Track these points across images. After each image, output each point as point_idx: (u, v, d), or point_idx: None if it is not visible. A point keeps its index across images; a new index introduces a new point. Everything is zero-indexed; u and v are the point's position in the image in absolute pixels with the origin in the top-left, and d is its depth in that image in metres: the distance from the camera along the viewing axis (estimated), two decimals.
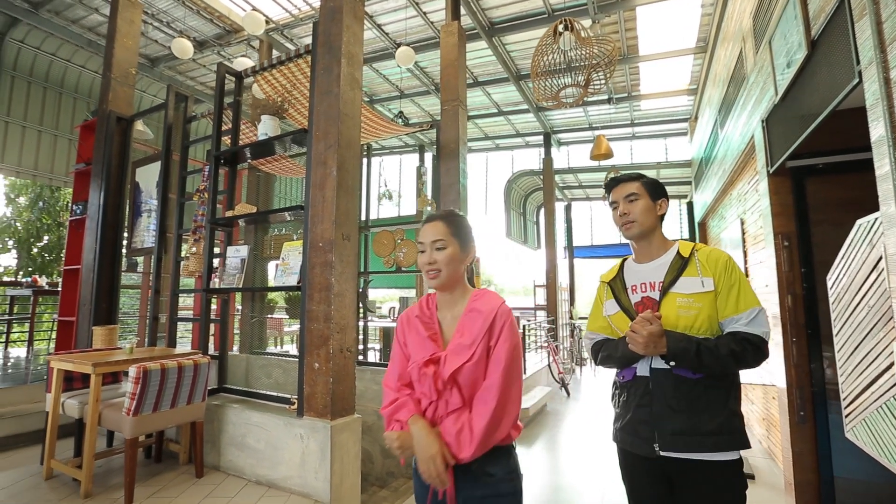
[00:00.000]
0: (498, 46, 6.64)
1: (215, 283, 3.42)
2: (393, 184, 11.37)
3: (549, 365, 6.97)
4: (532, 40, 6.48)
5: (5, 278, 10.83)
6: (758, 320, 1.25)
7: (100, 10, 6.07)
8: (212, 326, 3.66)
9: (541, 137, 9.87)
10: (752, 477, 3.24)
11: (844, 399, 1.86)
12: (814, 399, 2.72)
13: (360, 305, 5.18)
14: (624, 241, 1.49)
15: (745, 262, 4.09)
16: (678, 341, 1.23)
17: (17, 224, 11.20)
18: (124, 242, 4.26)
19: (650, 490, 1.34)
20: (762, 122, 3.01)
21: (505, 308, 1.19)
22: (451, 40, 4.86)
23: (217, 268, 3.50)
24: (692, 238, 7.23)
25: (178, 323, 3.75)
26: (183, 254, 3.75)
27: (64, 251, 4.53)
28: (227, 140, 3.63)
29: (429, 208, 5.84)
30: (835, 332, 1.94)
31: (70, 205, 4.57)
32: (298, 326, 2.89)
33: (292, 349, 8.18)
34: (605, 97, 7.90)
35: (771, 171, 2.90)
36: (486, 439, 1.10)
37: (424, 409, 1.19)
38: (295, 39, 6.80)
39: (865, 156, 2.17)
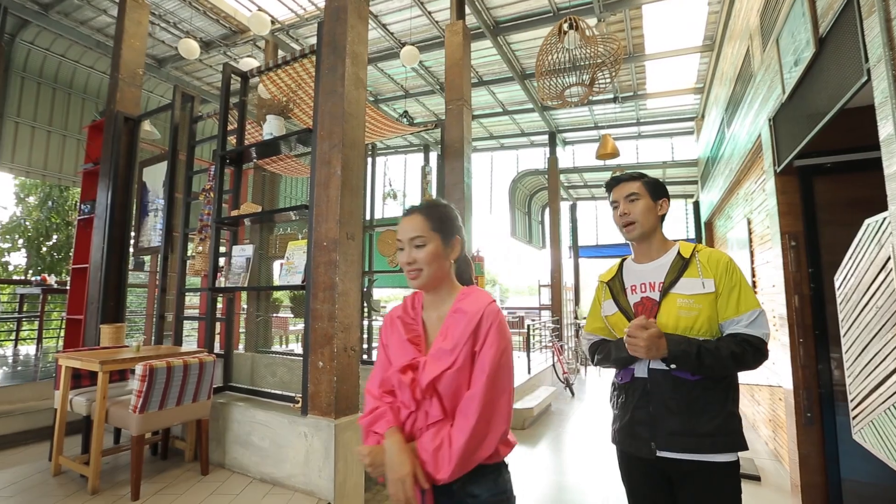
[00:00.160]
0: (503, 46, 6.63)
1: (221, 281, 3.44)
2: (398, 183, 11.38)
3: (553, 365, 6.96)
4: (537, 39, 6.46)
5: (15, 277, 10.97)
6: (758, 322, 1.24)
7: (108, 12, 6.13)
8: (217, 325, 3.68)
9: (546, 137, 9.84)
10: (758, 478, 3.22)
11: (852, 401, 1.84)
12: (821, 400, 2.69)
13: (365, 305, 5.19)
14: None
15: (752, 262, 4.06)
16: (678, 344, 1.22)
17: (27, 223, 11.34)
18: (131, 241, 4.29)
19: (649, 491, 1.34)
20: (769, 120, 2.98)
21: (493, 308, 1.05)
22: (455, 40, 4.86)
23: (223, 267, 3.52)
24: (698, 238, 7.18)
25: (185, 321, 3.78)
26: (189, 253, 3.78)
27: (72, 250, 4.58)
28: (232, 140, 3.65)
29: None
30: (842, 333, 1.92)
31: (78, 204, 4.62)
32: (303, 325, 2.91)
33: (297, 348, 8.22)
34: (611, 96, 7.85)
35: (778, 171, 2.87)
36: (467, 458, 0.97)
37: (404, 421, 1.06)
38: (300, 39, 6.82)
39: (874, 155, 2.14)
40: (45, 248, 11.40)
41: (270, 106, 3.32)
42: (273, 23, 6.25)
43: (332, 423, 2.51)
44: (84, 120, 7.20)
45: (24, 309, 6.71)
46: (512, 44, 6.77)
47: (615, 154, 6.39)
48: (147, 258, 5.27)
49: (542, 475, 3.31)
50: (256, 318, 4.87)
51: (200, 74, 8.00)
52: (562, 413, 5.27)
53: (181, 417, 2.80)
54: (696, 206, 7.53)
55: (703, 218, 6.91)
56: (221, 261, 3.55)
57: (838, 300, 1.96)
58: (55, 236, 11.48)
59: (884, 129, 1.56)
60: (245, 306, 5.23)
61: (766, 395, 3.93)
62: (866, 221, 1.73)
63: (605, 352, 1.44)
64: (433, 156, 10.69)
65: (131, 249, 4.29)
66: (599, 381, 7.52)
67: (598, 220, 12.37)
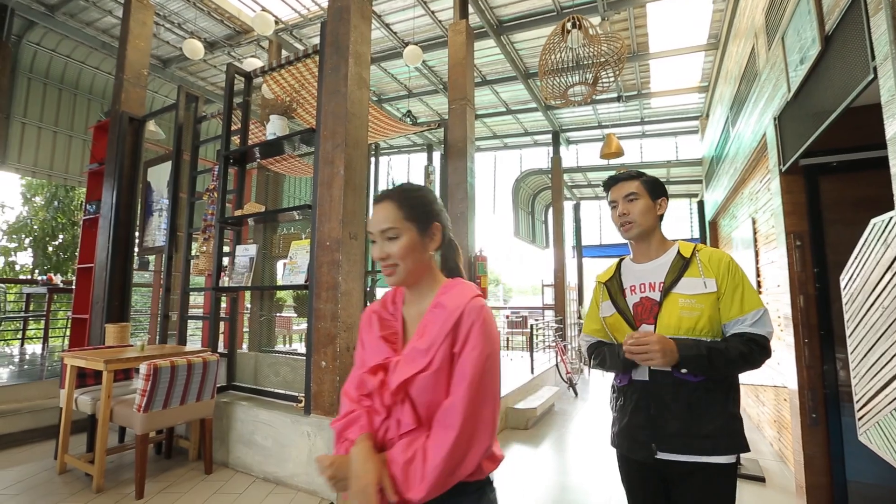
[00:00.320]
0: (506, 45, 6.62)
1: (225, 281, 3.46)
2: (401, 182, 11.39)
3: (556, 364, 6.94)
4: (541, 38, 6.44)
5: (22, 276, 11.06)
6: (762, 321, 1.23)
7: (113, 13, 6.16)
8: (221, 324, 3.70)
9: (549, 136, 9.81)
10: (762, 479, 3.20)
11: (858, 401, 1.83)
12: (826, 401, 2.67)
13: (368, 304, 5.20)
14: None
15: (757, 261, 4.03)
16: (689, 348, 1.20)
17: (34, 223, 11.43)
18: (136, 241, 4.32)
19: (648, 494, 1.33)
20: (774, 119, 2.96)
21: (476, 304, 0.92)
22: (459, 39, 4.85)
23: (226, 266, 3.54)
24: (703, 237, 7.14)
25: (189, 321, 3.80)
26: (193, 252, 3.80)
27: (78, 250, 4.61)
28: (236, 140, 3.67)
29: None
30: (848, 333, 1.91)
31: (84, 204, 4.65)
32: (306, 325, 2.92)
33: (300, 347, 8.24)
34: (615, 95, 7.82)
35: (783, 170, 2.85)
36: (444, 477, 0.84)
37: (378, 428, 0.94)
38: (304, 39, 6.84)
39: (880, 153, 2.12)
40: (51, 248, 11.48)
41: (274, 106, 3.33)
42: (277, 23, 6.27)
43: None
44: (90, 120, 7.25)
45: (31, 308, 6.77)
46: (515, 43, 6.76)
47: (619, 153, 6.36)
48: (151, 258, 5.30)
49: (545, 475, 3.31)
50: (260, 317, 4.88)
51: (205, 75, 8.03)
52: (565, 413, 5.26)
53: (185, 416, 2.82)
54: (701, 205, 7.49)
55: (708, 217, 6.87)
56: (225, 260, 3.57)
57: (844, 300, 1.95)
58: (61, 236, 11.56)
59: (890, 128, 1.55)
60: (249, 306, 5.25)
61: (771, 395, 3.90)
62: (872, 221, 1.72)
63: (601, 356, 1.42)
64: (436, 155, 10.71)
65: (136, 249, 4.32)
66: (603, 381, 7.50)
67: (602, 220, 12.33)
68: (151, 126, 5.26)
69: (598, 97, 7.46)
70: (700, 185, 8.94)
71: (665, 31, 6.12)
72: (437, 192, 5.22)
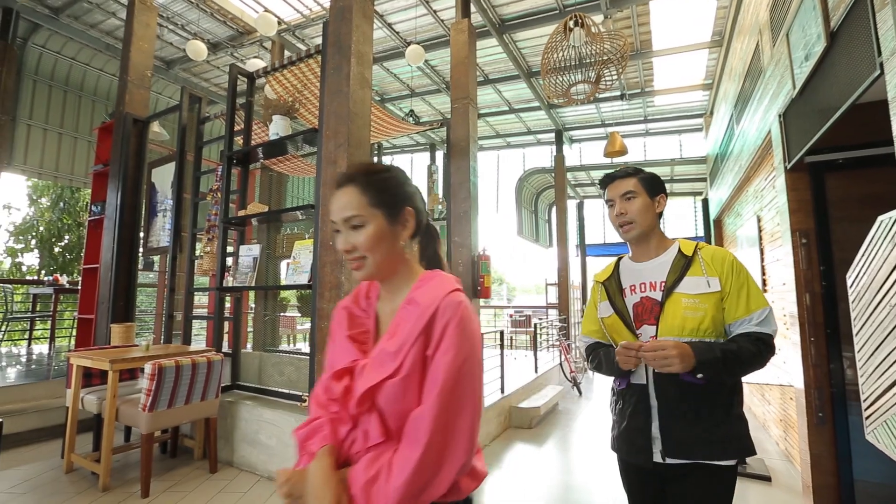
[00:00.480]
0: (509, 44, 6.60)
1: (228, 281, 3.47)
2: None
3: (560, 364, 6.93)
4: (543, 37, 6.42)
5: (28, 277, 11.15)
6: (768, 320, 1.21)
7: (117, 15, 6.19)
8: (225, 324, 3.72)
9: (552, 135, 9.79)
10: (768, 479, 3.18)
11: (865, 400, 1.81)
12: (833, 400, 2.65)
13: None
14: None
15: (762, 259, 4.01)
16: (704, 351, 1.15)
17: (40, 224, 11.52)
18: (141, 242, 4.34)
19: (648, 498, 1.32)
20: (779, 116, 2.94)
21: (453, 299, 0.81)
22: (461, 38, 4.84)
23: (230, 266, 3.55)
24: (707, 236, 7.10)
25: (193, 321, 3.82)
26: (197, 253, 3.81)
27: (83, 250, 4.64)
28: (239, 140, 3.68)
29: (439, 207, 5.84)
30: (855, 331, 1.89)
31: (89, 205, 4.68)
32: (310, 324, 2.93)
33: (305, 347, 8.27)
34: (618, 93, 7.79)
35: (788, 167, 2.83)
36: (411, 498, 0.74)
37: (343, 440, 0.84)
38: (306, 40, 6.85)
39: (887, 150, 2.10)
40: (57, 249, 11.57)
41: (276, 106, 3.34)
42: (279, 23, 6.28)
43: None
44: (94, 122, 7.29)
45: (38, 308, 6.82)
46: (518, 42, 6.74)
47: (623, 152, 6.33)
48: (156, 258, 5.33)
49: (548, 474, 3.30)
50: (264, 317, 4.90)
51: (208, 76, 8.06)
52: (569, 412, 5.25)
53: (190, 416, 2.83)
54: (705, 203, 7.45)
55: (713, 216, 6.84)
56: (229, 260, 3.58)
57: (850, 298, 1.93)
58: (67, 237, 11.65)
59: None
60: (253, 305, 5.27)
61: (777, 394, 3.88)
62: (879, 218, 1.70)
63: (597, 359, 1.38)
64: (439, 155, 10.71)
65: (141, 249, 4.34)
66: (607, 381, 7.48)
67: (606, 219, 12.29)
68: (155, 127, 5.29)
69: (601, 95, 7.44)
70: (704, 184, 8.89)
71: (668, 28, 6.09)
72: (441, 192, 5.20)
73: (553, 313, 10.26)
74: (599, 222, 12.37)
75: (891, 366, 1.65)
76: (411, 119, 8.07)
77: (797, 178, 2.85)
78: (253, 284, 3.33)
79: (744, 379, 1.32)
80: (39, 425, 3.59)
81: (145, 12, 4.45)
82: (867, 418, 1.80)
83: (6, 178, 6.16)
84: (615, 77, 4.62)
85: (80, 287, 4.58)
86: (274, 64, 3.60)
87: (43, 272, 11.11)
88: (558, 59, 4.44)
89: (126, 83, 4.26)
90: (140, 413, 2.61)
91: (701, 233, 9.84)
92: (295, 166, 5.25)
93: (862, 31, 1.83)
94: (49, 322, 6.50)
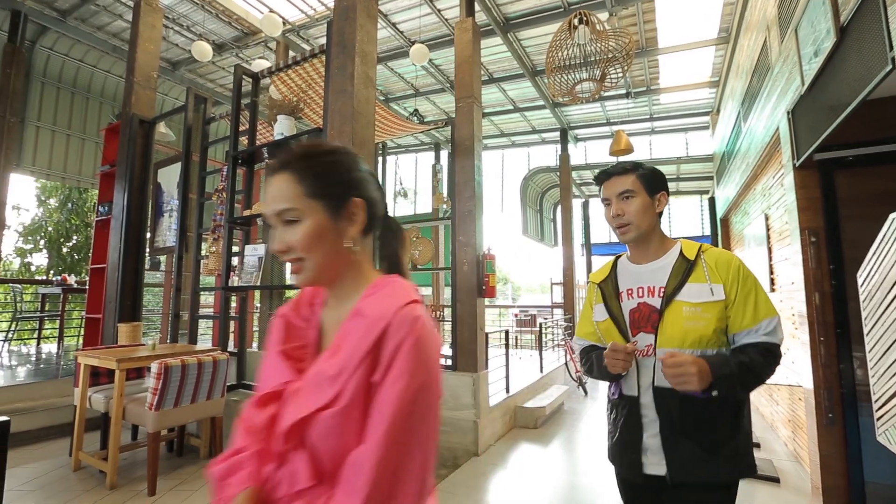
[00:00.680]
0: (513, 42, 6.58)
1: (234, 280, 3.48)
2: (409, 181, 11.40)
3: (566, 363, 6.90)
4: (548, 35, 6.39)
5: (37, 277, 11.27)
6: (776, 330, 1.13)
7: (123, 17, 6.24)
8: (231, 324, 3.73)
9: (557, 134, 9.75)
10: (777, 480, 3.14)
11: (876, 401, 1.78)
12: (843, 400, 2.61)
13: None
14: None
15: (770, 259, 3.97)
16: (720, 366, 1.06)
17: (48, 225, 11.64)
18: (147, 242, 4.37)
19: None
20: (788, 113, 2.91)
21: (408, 314, 0.65)
22: (465, 37, 4.83)
23: (235, 266, 3.56)
24: (714, 234, 7.04)
25: (199, 320, 3.84)
26: (203, 252, 3.83)
27: (91, 250, 4.68)
28: (244, 140, 3.69)
29: (444, 206, 5.83)
30: (866, 331, 1.86)
31: (96, 206, 4.72)
32: None
33: None
34: (623, 91, 7.75)
35: (797, 164, 2.80)
36: None
37: (267, 479, 0.68)
38: (311, 40, 6.86)
39: None
40: (65, 249, 11.70)
41: (281, 106, 3.35)
42: (284, 24, 6.30)
43: None
44: (101, 123, 7.35)
45: (46, 308, 6.89)
46: (522, 40, 6.72)
47: (629, 150, 6.30)
48: (162, 258, 5.37)
49: (554, 475, 3.29)
50: (269, 316, 4.91)
51: (213, 76, 8.10)
52: (574, 412, 5.23)
53: (196, 415, 2.84)
54: (712, 202, 7.39)
55: (719, 214, 6.78)
56: (234, 260, 3.60)
57: (861, 297, 1.90)
58: (75, 237, 11.77)
59: None
60: (258, 305, 5.29)
61: (785, 394, 3.84)
62: (892, 215, 1.67)
63: (589, 363, 1.30)
64: (444, 154, 10.69)
65: (147, 249, 4.37)
66: None
67: None
68: (161, 128, 5.32)
69: (606, 94, 7.40)
70: (711, 182, 8.82)
71: (674, 25, 6.04)
72: (445, 191, 5.20)
73: (558, 313, 10.22)
74: (605, 221, 12.31)
75: None
76: (415, 118, 8.07)
77: (806, 175, 2.81)
78: (258, 284, 3.34)
79: None
80: (48, 423, 3.62)
81: (151, 14, 4.47)
82: (879, 419, 1.77)
83: (15, 179, 6.22)
84: (620, 75, 4.59)
85: (87, 287, 4.62)
86: (278, 64, 3.61)
87: (51, 272, 11.23)
88: (563, 58, 4.42)
89: (132, 84, 4.28)
90: (146, 412, 2.63)
91: (707, 232, 9.76)
92: None
93: (873, 26, 1.80)
94: (57, 321, 6.57)
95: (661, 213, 1.27)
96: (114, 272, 4.06)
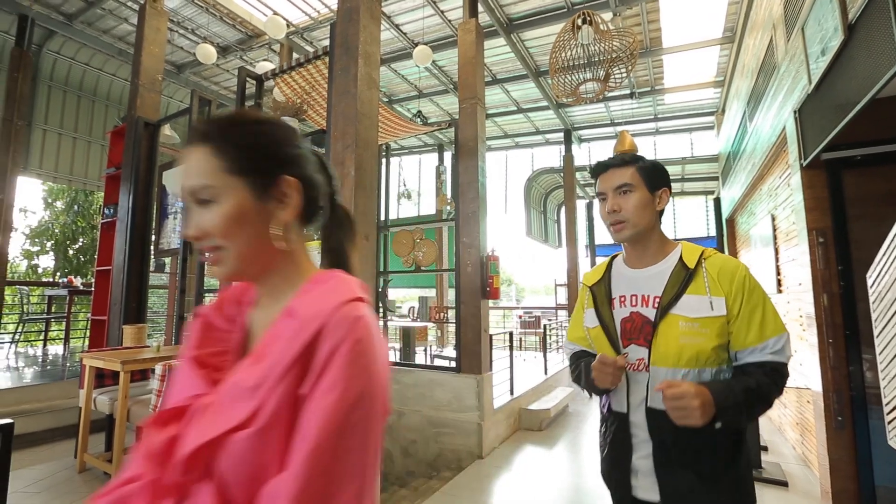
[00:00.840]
0: (517, 43, 6.57)
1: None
2: (412, 183, 11.40)
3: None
4: (551, 35, 6.37)
5: (44, 279, 11.36)
6: (784, 348, 1.02)
7: (129, 20, 6.28)
8: None
9: (561, 134, 9.72)
10: (785, 484, 3.11)
11: (887, 404, 1.76)
12: (853, 404, 2.58)
13: (380, 305, 5.20)
14: None
15: (777, 259, 3.93)
16: (724, 396, 0.95)
17: (55, 227, 11.73)
18: (152, 244, 4.39)
19: None
20: (794, 112, 2.88)
21: (348, 314, 0.54)
22: (468, 38, 4.82)
23: None
24: (719, 235, 6.99)
25: None
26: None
27: (97, 253, 4.71)
28: None
29: (448, 207, 5.82)
30: (876, 333, 1.83)
31: (102, 208, 4.74)
32: None
33: None
34: (627, 92, 7.72)
35: (804, 164, 2.77)
36: None
37: None
38: (314, 42, 6.88)
39: None
40: (71, 251, 11.78)
41: (284, 108, 3.35)
42: (288, 26, 6.32)
43: None
44: (107, 126, 7.41)
45: (53, 310, 6.94)
46: (525, 41, 6.71)
47: (633, 150, 6.26)
48: (167, 260, 5.39)
49: (559, 477, 3.26)
50: None
51: (218, 79, 8.14)
52: (579, 414, 5.20)
53: None
54: (717, 202, 7.34)
55: (725, 215, 6.73)
56: None
57: (871, 298, 1.87)
58: (81, 239, 11.85)
59: None
60: None
61: (794, 397, 3.80)
62: None
63: (578, 370, 1.21)
64: (447, 155, 10.69)
65: (152, 252, 4.39)
66: None
67: None
68: (166, 130, 5.34)
69: (610, 94, 7.36)
70: (716, 182, 8.77)
71: (679, 25, 6.01)
72: (449, 193, 5.19)
73: (563, 314, 10.19)
74: None
75: None
76: (419, 120, 8.07)
77: (813, 175, 2.78)
78: None
79: None
80: (53, 425, 3.64)
81: (156, 17, 4.50)
82: (890, 423, 1.74)
83: (22, 181, 6.27)
84: (624, 75, 4.57)
85: (93, 289, 4.65)
86: (282, 66, 3.62)
87: (58, 274, 11.31)
88: (567, 58, 4.40)
89: (137, 87, 4.31)
90: (151, 413, 2.63)
91: (713, 233, 9.70)
92: None
93: (882, 24, 1.77)
94: (64, 323, 6.61)
95: (661, 212, 1.15)
96: (119, 274, 4.07)
